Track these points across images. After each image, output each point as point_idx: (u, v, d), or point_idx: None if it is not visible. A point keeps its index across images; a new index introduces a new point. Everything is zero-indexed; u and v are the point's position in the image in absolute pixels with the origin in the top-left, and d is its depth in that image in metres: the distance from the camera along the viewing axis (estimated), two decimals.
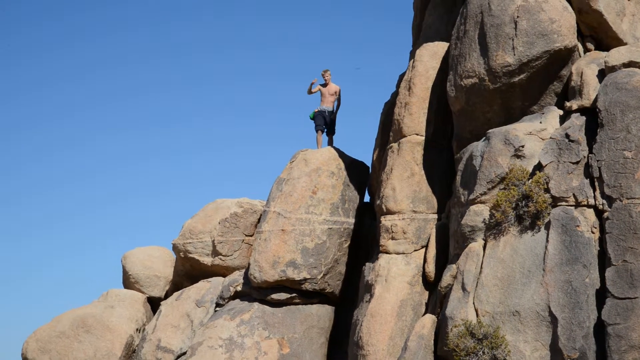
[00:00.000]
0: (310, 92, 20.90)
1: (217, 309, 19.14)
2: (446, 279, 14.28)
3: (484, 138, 14.71)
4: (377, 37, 65.17)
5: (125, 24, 65.62)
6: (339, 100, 21.01)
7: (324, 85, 20.86)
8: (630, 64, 14.04)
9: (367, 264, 17.07)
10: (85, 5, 63.77)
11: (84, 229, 61.85)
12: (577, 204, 13.21)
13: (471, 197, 14.29)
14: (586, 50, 15.44)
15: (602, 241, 12.74)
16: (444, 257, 15.50)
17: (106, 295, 21.22)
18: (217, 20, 66.18)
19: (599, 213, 13.01)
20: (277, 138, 63.08)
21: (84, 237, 61.44)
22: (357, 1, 64.78)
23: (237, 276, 19.48)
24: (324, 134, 20.89)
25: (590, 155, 13.29)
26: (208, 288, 19.86)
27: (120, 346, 19.40)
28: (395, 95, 19.02)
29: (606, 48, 15.23)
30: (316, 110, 20.75)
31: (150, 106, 65.01)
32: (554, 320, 12.45)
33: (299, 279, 18.04)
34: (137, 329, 20.09)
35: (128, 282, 21.80)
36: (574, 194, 13.25)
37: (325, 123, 20.77)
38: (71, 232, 61.36)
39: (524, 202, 13.46)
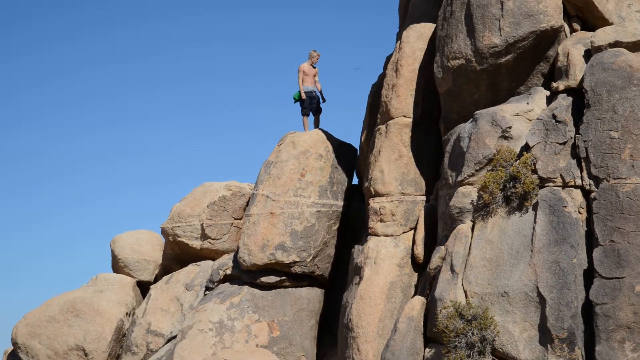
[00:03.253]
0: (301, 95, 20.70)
1: (207, 292, 19.16)
2: (435, 261, 14.33)
3: (471, 119, 14.71)
4: (364, 18, 65.06)
5: (111, 22, 65.52)
6: (317, 81, 20.89)
7: (311, 65, 20.73)
8: (616, 44, 14.05)
9: (356, 246, 17.10)
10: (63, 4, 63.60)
11: (73, 214, 61.79)
12: (565, 185, 13.25)
13: (459, 178, 14.31)
14: (572, 30, 15.43)
15: (589, 221, 12.80)
16: (433, 239, 15.54)
17: (95, 280, 21.22)
18: (202, 15, 66.20)
19: (586, 193, 13.06)
20: (265, 121, 63.06)
21: (73, 222, 61.37)
22: None
23: (227, 259, 19.49)
24: (311, 114, 20.84)
25: (577, 135, 13.32)
26: (197, 272, 19.87)
27: (110, 330, 19.41)
28: (382, 77, 18.97)
29: (592, 28, 15.21)
30: (301, 91, 20.53)
31: (139, 99, 65.14)
32: (542, 300, 12.53)
33: (288, 261, 18.06)
34: (126, 313, 20.09)
35: (117, 266, 21.79)
36: (561, 175, 13.29)
37: (312, 104, 20.67)
38: (61, 217, 61.28)
39: (511, 184, 13.49)
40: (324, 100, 20.94)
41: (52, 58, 64.38)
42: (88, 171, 63.30)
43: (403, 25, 18.82)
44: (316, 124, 20.90)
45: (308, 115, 20.64)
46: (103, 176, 63.75)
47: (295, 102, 20.81)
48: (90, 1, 64.91)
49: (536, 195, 13.30)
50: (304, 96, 20.50)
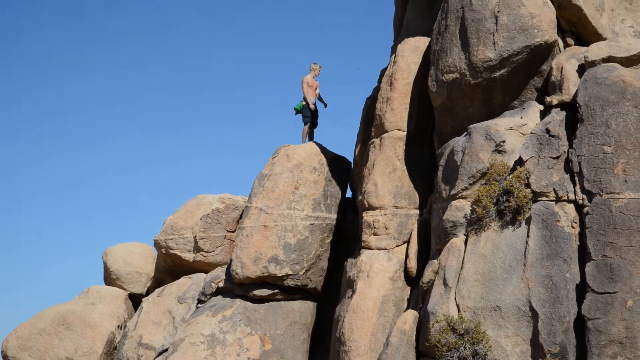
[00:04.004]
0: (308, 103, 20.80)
1: (199, 305, 19.09)
2: (428, 275, 14.28)
3: (465, 133, 14.72)
4: (359, 32, 65.33)
5: (107, 34, 65.81)
6: (319, 95, 21.08)
7: (313, 78, 20.88)
8: (609, 59, 14.09)
9: (349, 259, 17.05)
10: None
11: (65, 226, 61.66)
12: (558, 199, 13.23)
13: (452, 192, 14.29)
14: (566, 45, 15.48)
15: (582, 236, 12.78)
16: (426, 253, 15.50)
17: (87, 292, 21.13)
18: (198, 27, 66.55)
19: (579, 208, 13.05)
20: (259, 135, 63.17)
21: (65, 234, 61.22)
22: None
23: (219, 272, 19.43)
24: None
25: (570, 150, 13.32)
26: (190, 284, 19.80)
27: (101, 343, 19.32)
28: (377, 90, 19.01)
29: (586, 43, 15.26)
30: (304, 103, 20.65)
31: (132, 111, 65.38)
32: (534, 315, 12.49)
33: (281, 274, 18.00)
34: (118, 326, 20.00)
35: (109, 278, 21.71)
36: (554, 189, 13.27)
37: (311, 117, 20.80)
38: (53, 229, 61.14)
39: (504, 197, 13.47)
40: (325, 105, 21.08)
41: (46, 69, 64.50)
42: (80, 183, 63.23)
43: (398, 39, 18.86)
44: (310, 138, 20.93)
45: (308, 124, 20.70)
46: (95, 188, 63.68)
47: (296, 114, 20.93)
48: (82, 13, 65.22)
49: (529, 209, 13.28)
50: (312, 107, 20.58)
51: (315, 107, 20.88)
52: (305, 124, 20.73)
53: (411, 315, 14.31)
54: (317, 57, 62.72)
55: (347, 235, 19.16)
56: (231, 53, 66.14)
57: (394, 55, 17.83)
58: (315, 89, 20.95)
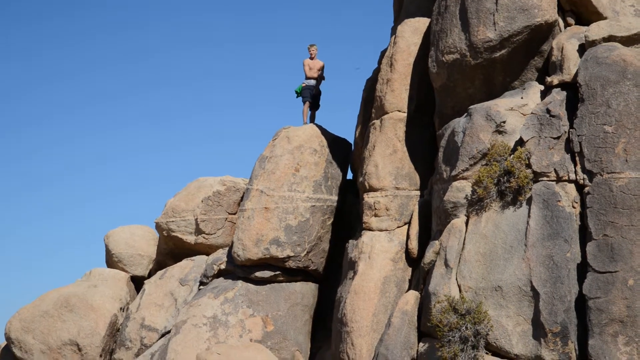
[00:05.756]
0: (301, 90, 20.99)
1: (201, 287, 19.16)
2: (429, 255, 14.32)
3: (466, 114, 14.71)
4: (358, 13, 65.12)
5: (107, 25, 65.86)
6: (322, 76, 21.14)
7: (310, 59, 20.99)
8: (610, 39, 14.05)
9: (350, 241, 17.09)
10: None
11: (68, 209, 61.77)
12: (558, 179, 13.25)
13: (453, 173, 14.30)
14: (566, 24, 15.42)
15: (583, 216, 12.80)
16: (427, 234, 15.53)
17: (89, 275, 21.21)
18: (197, 17, 66.59)
19: (579, 188, 13.06)
20: (259, 119, 63.21)
21: (67, 216, 61.35)
22: None
23: (221, 254, 19.48)
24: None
25: (571, 130, 13.31)
26: (192, 266, 19.86)
27: (104, 325, 19.41)
28: (377, 71, 18.97)
29: (586, 22, 15.21)
30: (303, 84, 20.84)
31: (134, 99, 65.62)
32: (535, 294, 12.53)
33: (282, 256, 18.05)
34: (120, 308, 20.08)
35: (111, 261, 21.78)
36: (555, 169, 13.28)
37: (311, 96, 20.87)
38: (56, 212, 61.25)
39: (505, 178, 13.49)
40: (315, 92, 21.02)
41: (48, 61, 64.74)
42: (82, 168, 63.55)
43: (398, 20, 18.81)
44: (312, 119, 20.97)
45: (310, 102, 20.78)
46: (97, 172, 63.90)
47: (297, 97, 21.01)
48: (83, 5, 65.27)
49: (530, 189, 13.30)
50: (304, 84, 20.77)
51: (317, 88, 20.94)
52: (304, 103, 20.78)
53: (413, 296, 14.37)
54: (319, 42, 62.66)
55: (348, 217, 19.20)
56: (232, 41, 66.27)
57: (393, 36, 17.77)
58: (318, 69, 21.00)
